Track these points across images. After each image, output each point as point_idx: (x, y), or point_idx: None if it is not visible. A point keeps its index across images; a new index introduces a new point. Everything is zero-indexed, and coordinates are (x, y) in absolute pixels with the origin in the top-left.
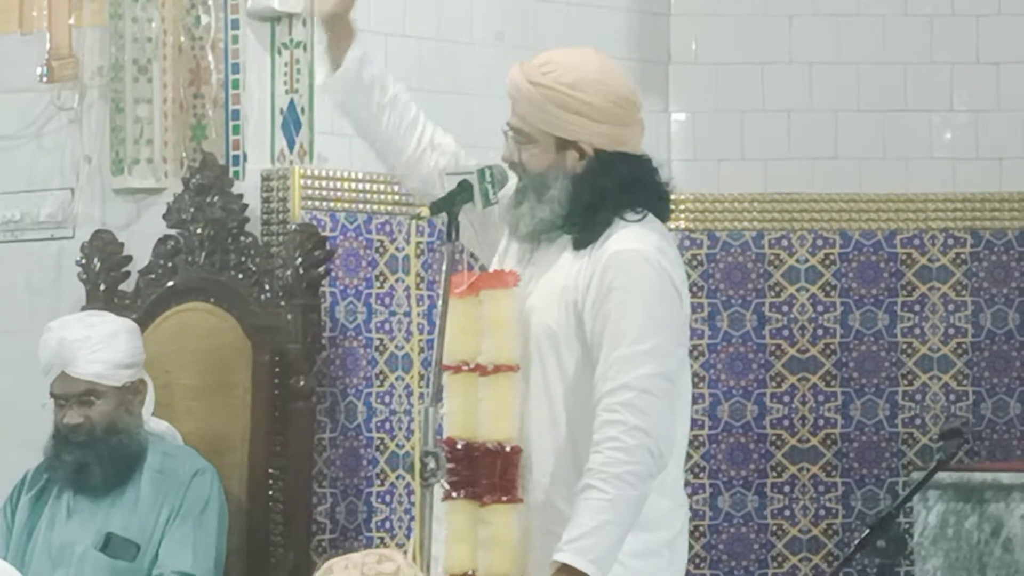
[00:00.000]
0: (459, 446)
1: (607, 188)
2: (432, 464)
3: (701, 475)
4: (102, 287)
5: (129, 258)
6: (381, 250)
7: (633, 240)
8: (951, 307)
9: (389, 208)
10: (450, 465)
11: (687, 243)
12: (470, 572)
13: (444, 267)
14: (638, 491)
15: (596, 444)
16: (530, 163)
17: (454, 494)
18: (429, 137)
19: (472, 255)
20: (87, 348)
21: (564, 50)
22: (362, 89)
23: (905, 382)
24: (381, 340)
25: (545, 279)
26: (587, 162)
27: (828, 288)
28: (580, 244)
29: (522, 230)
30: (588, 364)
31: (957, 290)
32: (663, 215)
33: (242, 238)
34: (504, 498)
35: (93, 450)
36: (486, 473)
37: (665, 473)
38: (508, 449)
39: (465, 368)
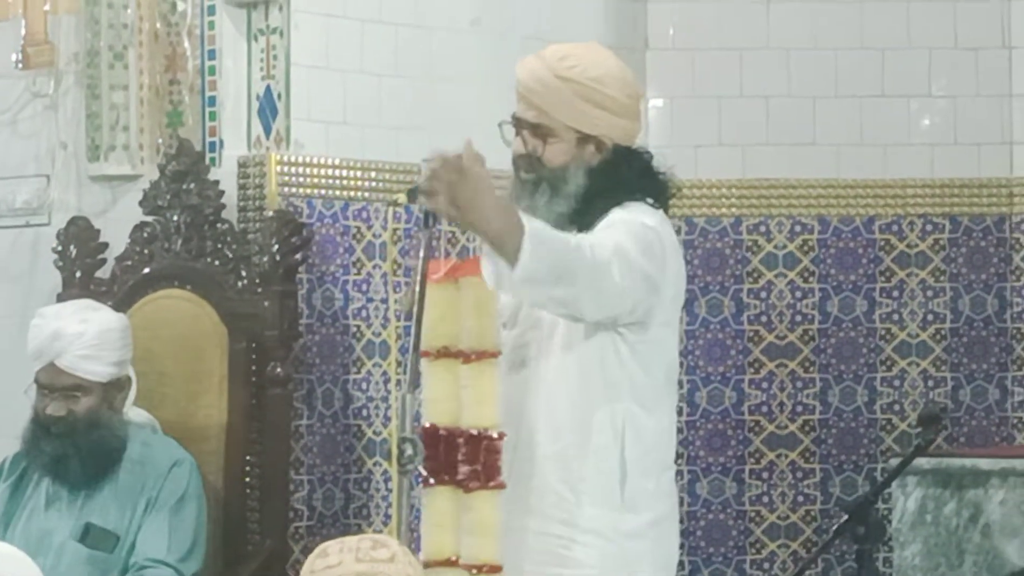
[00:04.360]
0: (441, 432)
1: (624, 179)
2: (409, 451)
3: (679, 461)
4: (78, 274)
5: (105, 245)
6: (358, 236)
7: (625, 212)
8: (929, 293)
9: (366, 195)
10: (429, 452)
11: None
12: (452, 558)
13: (421, 254)
14: (600, 271)
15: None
16: (549, 157)
17: (432, 480)
18: None
19: (449, 241)
20: (80, 344)
21: (575, 45)
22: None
23: (884, 368)
24: (358, 327)
25: None
26: (603, 155)
27: (806, 274)
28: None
29: None
30: (583, 342)
31: (936, 276)
32: (665, 207)
33: (218, 225)
34: (490, 484)
35: (72, 443)
36: (469, 459)
37: (645, 454)
38: (494, 435)
39: (445, 354)
